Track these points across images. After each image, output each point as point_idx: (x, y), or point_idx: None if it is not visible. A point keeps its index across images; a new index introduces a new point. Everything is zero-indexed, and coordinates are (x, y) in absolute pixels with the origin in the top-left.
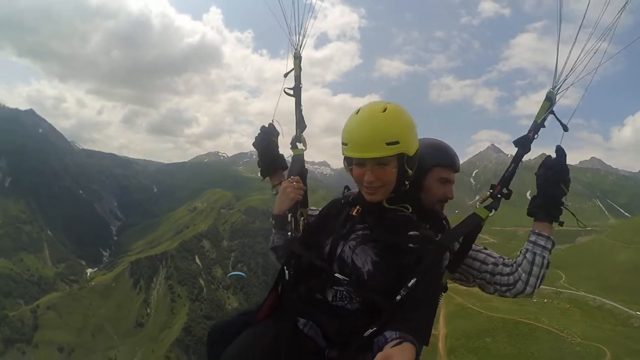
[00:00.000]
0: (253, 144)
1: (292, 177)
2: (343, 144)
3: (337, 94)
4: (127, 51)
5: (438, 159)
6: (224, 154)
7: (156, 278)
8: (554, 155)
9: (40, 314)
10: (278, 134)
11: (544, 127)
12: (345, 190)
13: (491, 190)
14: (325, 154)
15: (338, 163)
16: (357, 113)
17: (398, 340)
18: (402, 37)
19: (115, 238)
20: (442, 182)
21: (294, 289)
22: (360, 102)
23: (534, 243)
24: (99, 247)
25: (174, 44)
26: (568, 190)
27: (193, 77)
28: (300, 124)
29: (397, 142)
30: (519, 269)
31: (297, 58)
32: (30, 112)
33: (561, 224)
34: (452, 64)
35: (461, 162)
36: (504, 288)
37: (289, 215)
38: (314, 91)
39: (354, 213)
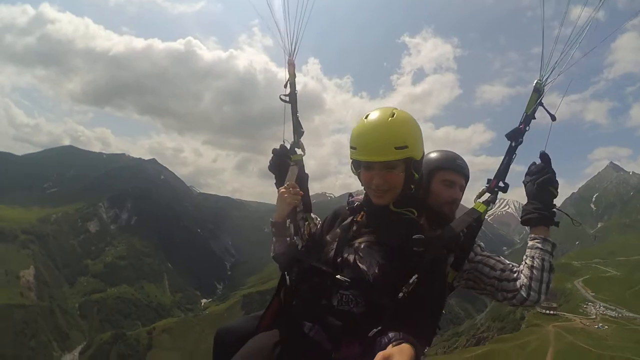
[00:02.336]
0: (268, 168)
1: (287, 182)
2: (352, 147)
3: (440, 127)
4: (237, 106)
5: (440, 162)
6: (331, 195)
7: None
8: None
9: (155, 335)
10: (291, 154)
11: (535, 118)
12: (350, 198)
13: (487, 185)
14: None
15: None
16: (365, 118)
17: (399, 341)
18: (500, 60)
19: (229, 273)
20: (447, 185)
21: (296, 295)
22: (464, 133)
23: (531, 247)
24: (214, 280)
25: (278, 95)
26: (557, 192)
27: None
28: (298, 130)
29: (405, 147)
30: (521, 274)
31: (291, 64)
32: (153, 162)
33: (557, 224)
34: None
35: (579, 186)
36: (509, 295)
37: (288, 221)
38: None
39: (359, 218)
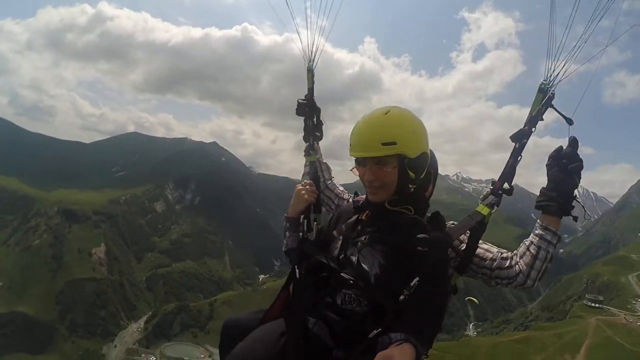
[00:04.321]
0: (296, 113)
1: (304, 180)
2: (349, 145)
3: (503, 106)
4: (295, 88)
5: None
6: None
7: None
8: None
9: (216, 307)
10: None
11: (542, 119)
12: (355, 196)
13: (492, 187)
14: (494, 170)
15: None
16: (362, 118)
17: (401, 342)
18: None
19: None
20: None
21: (305, 289)
22: (527, 112)
23: (540, 237)
24: (272, 257)
25: (335, 77)
26: (579, 181)
27: (356, 105)
28: (314, 134)
29: (393, 143)
30: (520, 260)
31: (310, 71)
32: (214, 144)
33: (575, 219)
34: (622, 56)
35: None
36: (504, 281)
37: (302, 217)
38: (477, 105)
39: (363, 217)
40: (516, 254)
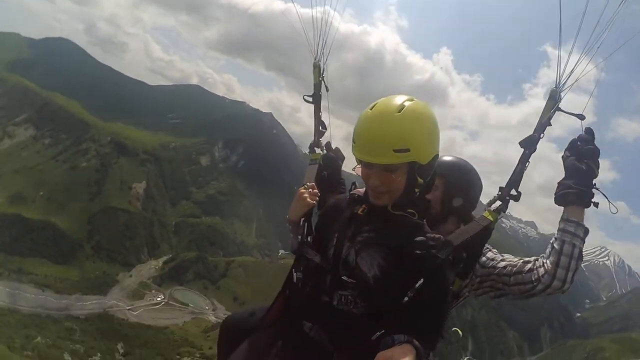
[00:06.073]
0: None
1: (307, 183)
2: (352, 140)
3: (563, 150)
4: (360, 80)
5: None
6: None
7: None
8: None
9: (231, 267)
10: (344, 158)
11: (550, 125)
12: (353, 187)
13: (499, 193)
14: (536, 215)
15: (547, 228)
16: (371, 109)
17: (402, 343)
18: None
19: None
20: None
21: (302, 293)
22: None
23: (563, 230)
24: None
25: (403, 78)
26: (598, 172)
27: None
28: (319, 130)
29: (407, 150)
30: (547, 261)
31: (316, 67)
32: (269, 115)
33: (596, 205)
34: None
35: None
36: (528, 286)
37: (302, 220)
38: (538, 146)
39: (359, 212)
40: (543, 256)
